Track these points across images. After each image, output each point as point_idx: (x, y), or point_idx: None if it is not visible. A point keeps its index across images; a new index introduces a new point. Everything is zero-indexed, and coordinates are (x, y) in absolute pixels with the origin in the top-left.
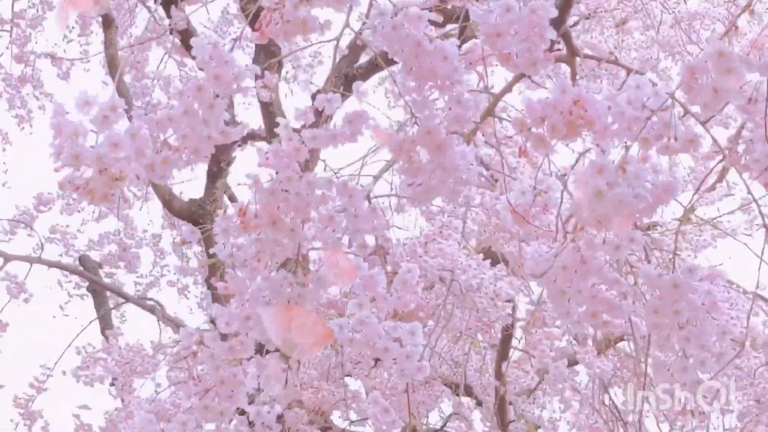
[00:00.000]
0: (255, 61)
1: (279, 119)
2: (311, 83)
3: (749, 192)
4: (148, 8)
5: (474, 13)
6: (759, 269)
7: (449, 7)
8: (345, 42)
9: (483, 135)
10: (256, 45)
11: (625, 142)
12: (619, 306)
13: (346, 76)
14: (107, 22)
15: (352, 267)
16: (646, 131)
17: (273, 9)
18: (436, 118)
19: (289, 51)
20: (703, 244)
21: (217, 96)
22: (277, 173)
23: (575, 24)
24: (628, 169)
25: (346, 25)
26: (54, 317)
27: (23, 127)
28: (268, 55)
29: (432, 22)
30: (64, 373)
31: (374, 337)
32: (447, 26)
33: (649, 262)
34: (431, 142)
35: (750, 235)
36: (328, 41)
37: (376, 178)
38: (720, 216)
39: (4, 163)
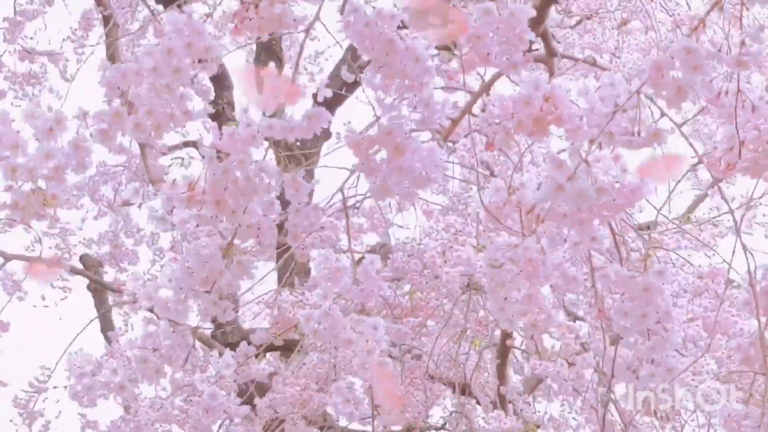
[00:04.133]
0: (256, 59)
1: (240, 106)
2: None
3: (723, 198)
4: (149, 7)
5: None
6: (729, 267)
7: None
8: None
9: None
10: (257, 44)
11: (599, 143)
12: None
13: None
14: (107, 21)
15: (399, 392)
16: (615, 126)
17: (249, 4)
18: (400, 118)
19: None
20: (703, 243)
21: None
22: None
23: (577, 24)
24: (597, 165)
25: (316, 18)
26: (59, 319)
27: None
28: (268, 54)
29: None
30: (69, 379)
31: (338, 328)
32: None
33: (621, 261)
34: (390, 143)
35: (750, 233)
36: (298, 32)
37: (351, 171)
38: (719, 215)
39: None
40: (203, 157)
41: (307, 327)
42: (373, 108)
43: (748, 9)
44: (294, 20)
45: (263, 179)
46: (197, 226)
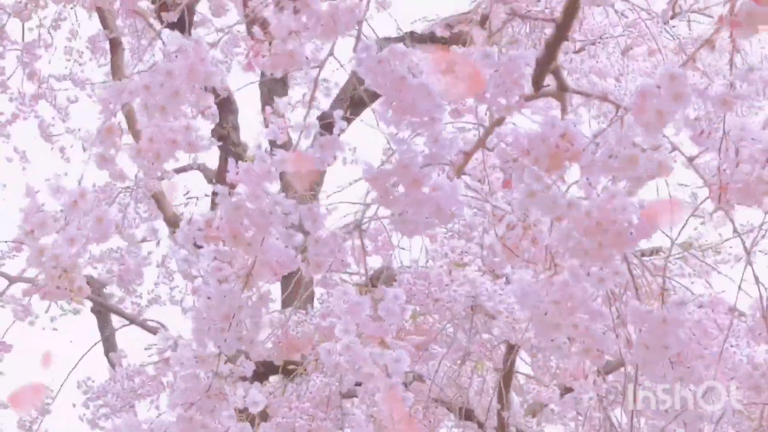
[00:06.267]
0: (261, 83)
1: (255, 141)
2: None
3: (734, 226)
4: (157, 33)
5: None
6: (737, 294)
7: (456, 31)
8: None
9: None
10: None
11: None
12: (603, 339)
13: (352, 99)
14: (114, 46)
15: (407, 416)
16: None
17: (261, 41)
18: (413, 152)
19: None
20: (706, 270)
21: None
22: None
23: (581, 50)
24: (614, 202)
25: (330, 53)
26: (44, 329)
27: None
28: (274, 80)
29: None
30: (74, 405)
31: (359, 362)
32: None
33: (637, 294)
34: (407, 176)
35: (754, 261)
36: (315, 67)
37: (366, 206)
38: (722, 242)
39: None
40: (216, 193)
41: (327, 359)
42: (387, 140)
43: (738, 52)
44: (306, 58)
45: (278, 212)
46: (214, 259)
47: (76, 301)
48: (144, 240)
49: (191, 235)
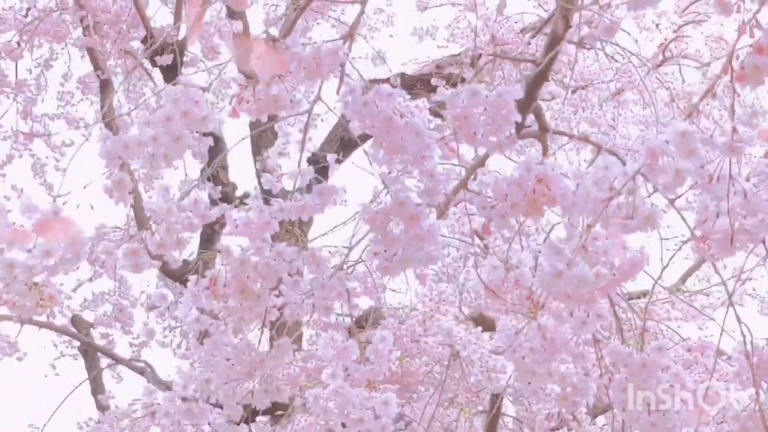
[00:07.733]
0: (251, 125)
1: (250, 191)
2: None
3: (717, 272)
4: (148, 72)
5: (442, 94)
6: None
7: (445, 72)
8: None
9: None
10: None
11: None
12: (585, 388)
13: (342, 140)
14: (105, 86)
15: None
16: (611, 211)
17: (245, 86)
18: (407, 189)
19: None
20: (693, 314)
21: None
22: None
23: (573, 92)
24: (595, 245)
25: (317, 97)
26: (45, 376)
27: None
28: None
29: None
30: None
31: (348, 406)
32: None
33: (621, 335)
34: (404, 213)
35: (742, 305)
36: (300, 113)
37: (350, 248)
38: (710, 286)
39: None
40: (219, 251)
41: (316, 405)
42: (377, 177)
43: (739, 95)
44: (291, 102)
45: (283, 262)
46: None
47: (47, 306)
48: (154, 307)
49: (199, 294)
